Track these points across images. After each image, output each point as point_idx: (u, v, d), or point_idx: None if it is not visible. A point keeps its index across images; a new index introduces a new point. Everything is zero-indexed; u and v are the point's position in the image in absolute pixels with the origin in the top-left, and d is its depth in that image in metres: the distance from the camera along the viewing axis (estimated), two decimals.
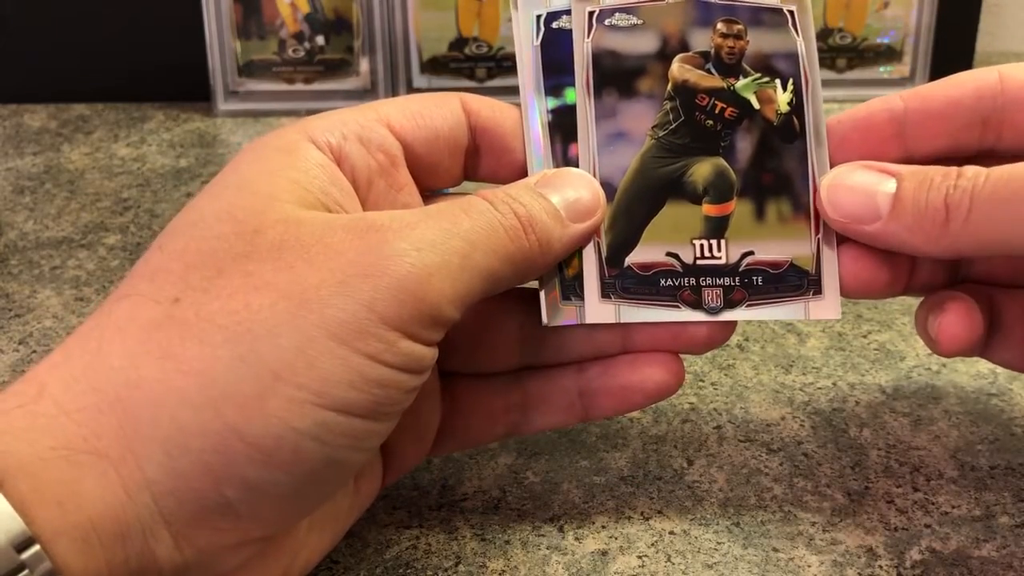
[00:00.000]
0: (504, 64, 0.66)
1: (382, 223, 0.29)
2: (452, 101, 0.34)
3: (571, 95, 0.34)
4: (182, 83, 0.66)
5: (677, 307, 0.34)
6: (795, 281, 0.34)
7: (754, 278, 0.34)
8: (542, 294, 0.33)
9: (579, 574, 0.33)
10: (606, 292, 0.33)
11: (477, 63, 0.66)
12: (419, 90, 0.66)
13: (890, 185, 0.32)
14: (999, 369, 0.42)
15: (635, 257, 0.34)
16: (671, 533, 0.35)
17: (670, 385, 0.34)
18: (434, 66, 0.66)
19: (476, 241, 0.29)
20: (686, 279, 0.34)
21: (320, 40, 0.65)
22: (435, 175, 0.34)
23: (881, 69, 0.67)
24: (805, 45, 0.34)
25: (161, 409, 0.26)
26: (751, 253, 0.34)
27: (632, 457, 0.38)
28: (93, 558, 0.25)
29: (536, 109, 0.34)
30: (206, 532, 0.27)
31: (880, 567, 0.33)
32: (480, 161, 0.34)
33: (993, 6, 0.71)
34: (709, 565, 0.34)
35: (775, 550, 0.34)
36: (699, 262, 0.34)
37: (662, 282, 0.34)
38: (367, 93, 0.66)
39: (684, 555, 0.34)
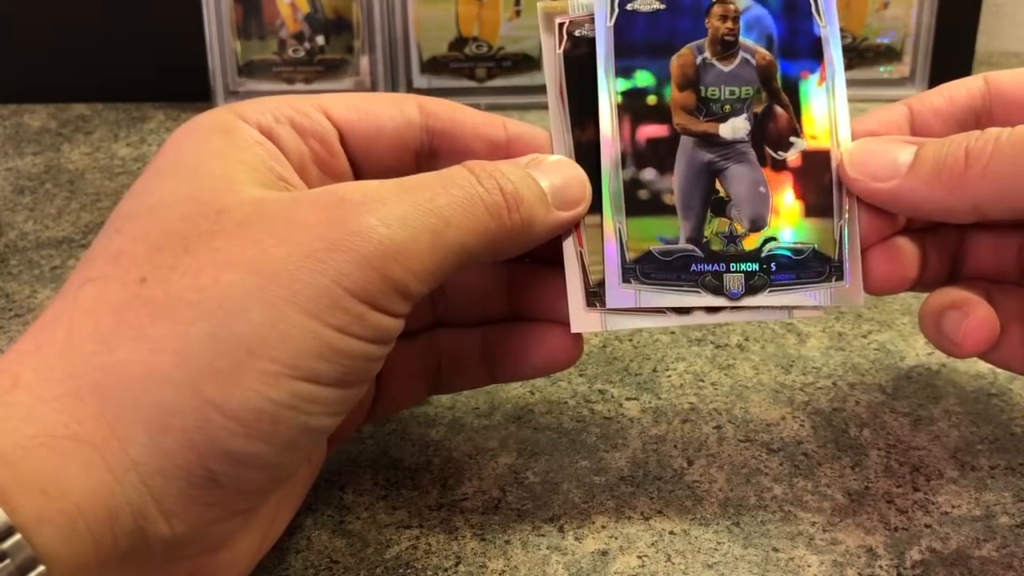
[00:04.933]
0: (504, 64, 0.66)
1: (352, 196, 0.29)
2: (407, 102, 0.34)
3: (642, 78, 0.34)
4: (182, 83, 0.66)
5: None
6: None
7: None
8: (571, 299, 0.33)
9: (579, 574, 0.33)
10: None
11: (477, 63, 0.66)
12: (419, 90, 0.66)
13: (910, 151, 0.34)
14: (999, 369, 0.42)
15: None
16: (671, 533, 0.35)
17: (560, 360, 0.35)
18: (434, 66, 0.66)
19: (451, 217, 0.29)
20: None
21: (320, 40, 0.65)
22: (380, 171, 0.33)
23: (881, 69, 0.67)
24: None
25: (140, 390, 0.26)
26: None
27: (632, 457, 0.38)
28: (80, 544, 0.25)
29: (607, 91, 0.34)
30: (195, 507, 0.27)
31: (880, 567, 0.33)
32: (438, 164, 0.34)
33: (993, 6, 0.71)
34: (709, 565, 0.34)
35: (775, 550, 0.34)
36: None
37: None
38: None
39: (684, 555, 0.34)
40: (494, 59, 0.66)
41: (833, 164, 0.34)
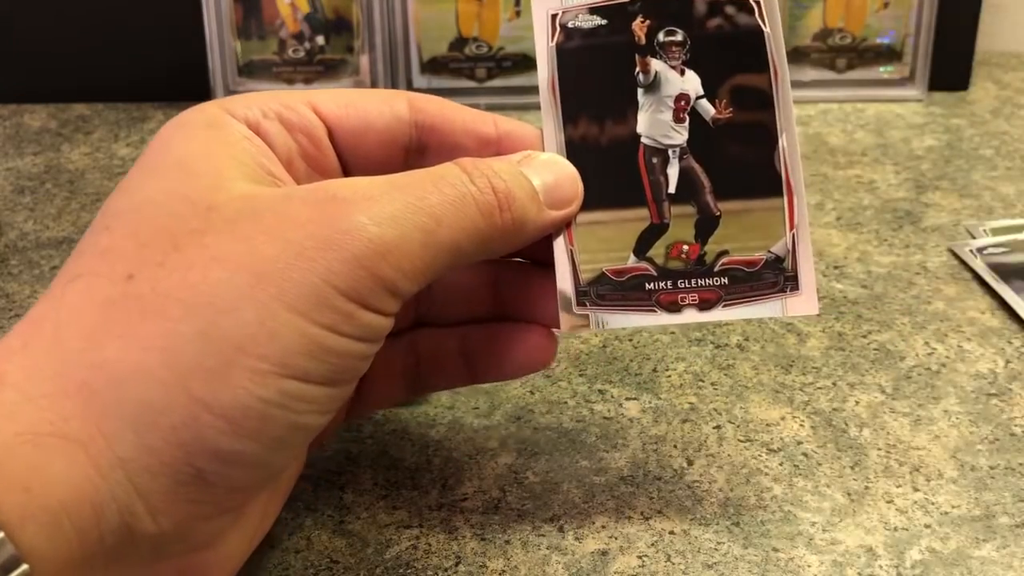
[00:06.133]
0: (504, 64, 0.66)
1: (343, 194, 0.28)
2: (396, 98, 0.33)
3: None
4: (182, 83, 0.66)
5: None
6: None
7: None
8: (560, 300, 0.33)
9: (579, 574, 0.33)
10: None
11: (477, 63, 0.66)
12: (419, 90, 0.66)
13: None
14: (999, 369, 0.42)
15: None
16: (671, 533, 0.35)
17: (540, 360, 0.35)
18: (434, 66, 0.66)
19: (442, 216, 0.29)
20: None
21: (320, 40, 0.65)
22: (369, 167, 0.33)
23: (881, 69, 0.67)
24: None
25: (126, 388, 0.26)
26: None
27: (632, 457, 0.38)
28: (64, 541, 0.25)
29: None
30: (182, 505, 0.27)
31: (880, 567, 0.33)
32: (427, 160, 0.34)
33: (993, 6, 0.71)
34: (709, 565, 0.34)
35: (775, 550, 0.34)
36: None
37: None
38: None
39: (684, 555, 0.34)
40: (494, 59, 0.66)
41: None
